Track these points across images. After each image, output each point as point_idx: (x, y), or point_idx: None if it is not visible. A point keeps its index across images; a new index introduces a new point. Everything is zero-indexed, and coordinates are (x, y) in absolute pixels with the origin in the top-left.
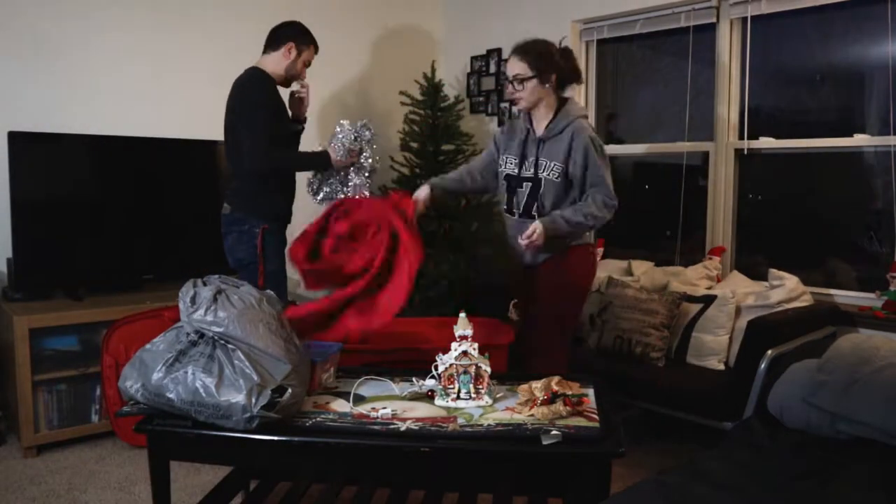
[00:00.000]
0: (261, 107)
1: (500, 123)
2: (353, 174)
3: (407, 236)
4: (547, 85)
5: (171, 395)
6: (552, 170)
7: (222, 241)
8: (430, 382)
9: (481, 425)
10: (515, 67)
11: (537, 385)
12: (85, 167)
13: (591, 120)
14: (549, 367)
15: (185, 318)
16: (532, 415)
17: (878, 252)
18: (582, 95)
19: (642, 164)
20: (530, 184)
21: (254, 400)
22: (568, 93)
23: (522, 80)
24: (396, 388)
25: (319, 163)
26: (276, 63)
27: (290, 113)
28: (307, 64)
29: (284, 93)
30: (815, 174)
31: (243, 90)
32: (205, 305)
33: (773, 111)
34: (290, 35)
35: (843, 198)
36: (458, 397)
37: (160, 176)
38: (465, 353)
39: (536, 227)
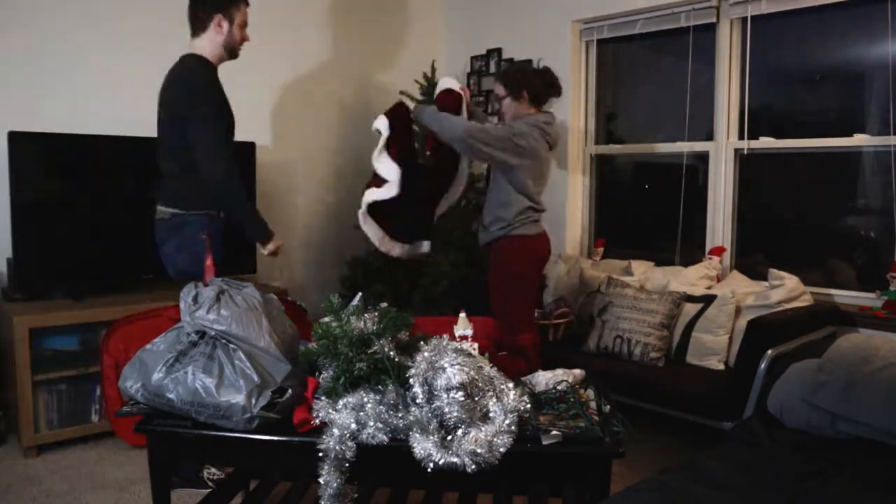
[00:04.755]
0: (212, 103)
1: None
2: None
3: None
4: (520, 100)
5: (172, 396)
6: None
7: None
8: None
9: None
10: (495, 88)
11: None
12: (85, 167)
13: (591, 120)
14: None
15: (187, 317)
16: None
17: (878, 251)
18: (582, 95)
19: (642, 164)
20: None
21: (254, 400)
22: (554, 105)
23: (499, 99)
24: None
25: (255, 230)
26: (211, 43)
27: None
28: (245, 25)
29: (230, 72)
30: (815, 174)
31: (189, 83)
32: (207, 304)
33: (773, 111)
34: (213, 6)
35: (843, 197)
36: None
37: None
38: None
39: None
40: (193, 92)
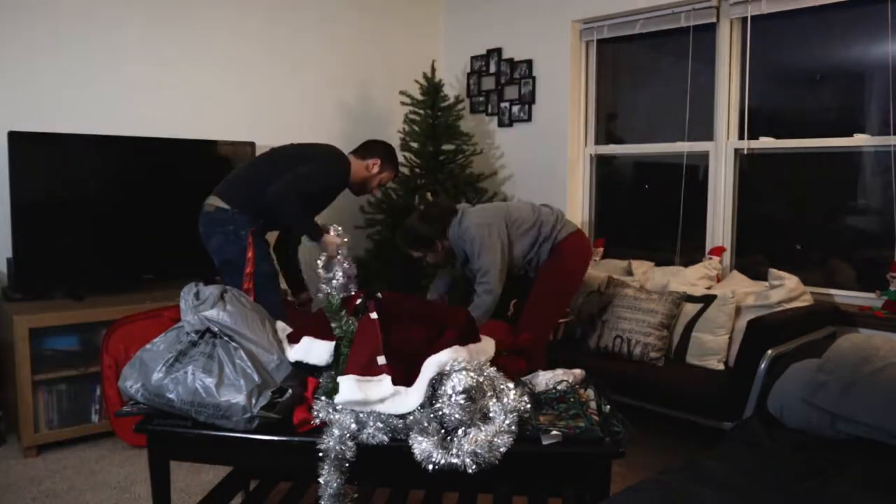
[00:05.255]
0: (321, 174)
1: (501, 124)
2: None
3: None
4: (440, 248)
5: (171, 396)
6: None
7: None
8: None
9: None
10: (414, 254)
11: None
12: (85, 167)
13: (591, 120)
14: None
15: (189, 316)
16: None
17: (878, 251)
18: (582, 95)
19: (642, 164)
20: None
21: (254, 400)
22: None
23: (423, 258)
24: None
25: (313, 232)
26: (357, 167)
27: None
28: (382, 183)
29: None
30: (815, 174)
31: (326, 159)
32: (212, 301)
33: (773, 111)
34: (380, 153)
35: (843, 197)
36: None
37: (160, 175)
38: None
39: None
40: (321, 162)
